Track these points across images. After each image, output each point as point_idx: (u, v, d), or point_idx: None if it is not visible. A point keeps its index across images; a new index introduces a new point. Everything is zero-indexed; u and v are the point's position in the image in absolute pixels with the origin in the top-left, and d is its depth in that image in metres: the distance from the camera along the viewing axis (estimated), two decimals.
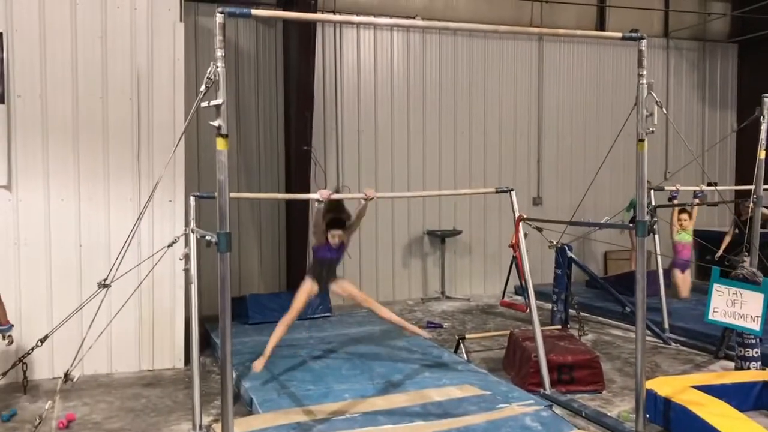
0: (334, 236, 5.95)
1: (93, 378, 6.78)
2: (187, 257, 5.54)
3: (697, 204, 8.83)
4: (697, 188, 8.75)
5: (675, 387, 5.45)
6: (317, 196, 5.65)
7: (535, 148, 11.97)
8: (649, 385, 5.35)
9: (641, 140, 4.80)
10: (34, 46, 6.69)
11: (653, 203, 8.09)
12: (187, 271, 5.66)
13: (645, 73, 4.80)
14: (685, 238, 8.76)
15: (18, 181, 6.69)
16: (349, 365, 6.72)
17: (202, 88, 3.88)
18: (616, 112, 11.85)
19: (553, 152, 12.09)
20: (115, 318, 5.81)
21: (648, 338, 7.39)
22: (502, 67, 11.66)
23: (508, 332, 7.35)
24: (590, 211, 10.92)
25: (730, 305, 5.52)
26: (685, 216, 8.86)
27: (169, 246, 5.65)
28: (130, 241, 4.65)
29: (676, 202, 8.79)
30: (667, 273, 9.34)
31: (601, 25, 12.31)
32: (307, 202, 9.80)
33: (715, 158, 13.21)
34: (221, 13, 3.81)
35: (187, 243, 5.63)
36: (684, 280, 9.00)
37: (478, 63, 11.47)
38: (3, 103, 6.57)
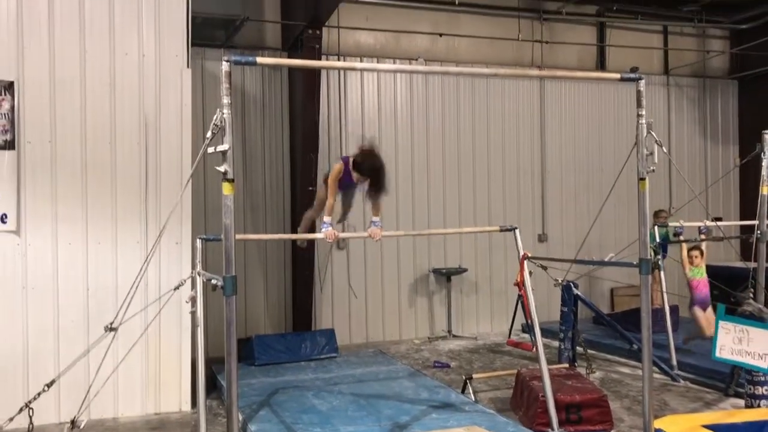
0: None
1: (99, 422, 6.75)
2: (193, 300, 5.58)
3: (703, 240, 8.80)
4: (701, 224, 8.74)
5: (684, 426, 5.38)
6: (322, 236, 5.69)
7: (539, 185, 12.03)
8: (658, 424, 5.30)
9: (642, 179, 4.84)
10: (44, 94, 6.82)
11: (657, 239, 8.08)
12: (193, 313, 5.70)
13: (644, 112, 4.87)
14: (699, 274, 8.64)
15: (27, 225, 6.76)
16: (355, 406, 6.68)
17: (209, 134, 3.96)
18: (618, 148, 11.92)
19: (557, 189, 12.14)
20: (121, 361, 5.83)
21: (656, 375, 7.36)
22: (504, 105, 11.79)
23: (515, 372, 7.31)
24: (595, 247, 10.92)
25: (737, 342, 5.49)
26: (695, 252, 8.76)
27: (175, 289, 5.69)
28: (138, 284, 4.68)
29: (682, 237, 8.76)
30: (675, 310, 9.30)
31: (601, 63, 12.48)
32: (312, 242, 9.86)
33: (719, 193, 13.24)
34: (227, 61, 3.90)
35: (193, 286, 5.67)
36: (707, 318, 8.68)
37: (480, 102, 11.61)
38: (13, 149, 6.69)
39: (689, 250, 8.68)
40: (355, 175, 5.70)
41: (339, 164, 5.86)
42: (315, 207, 6.49)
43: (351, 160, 5.72)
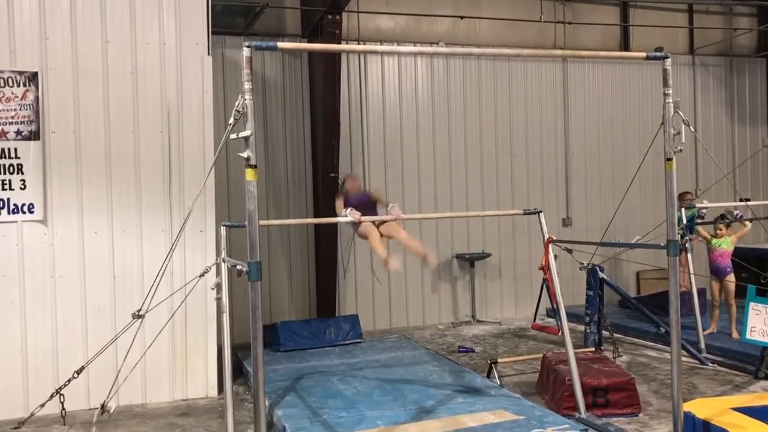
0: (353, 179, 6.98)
1: (128, 408, 6.84)
2: (218, 287, 5.61)
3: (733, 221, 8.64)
4: (734, 210, 8.63)
5: (714, 409, 5.32)
6: (349, 218, 5.83)
7: (562, 168, 11.92)
8: (687, 407, 5.24)
9: (669, 159, 4.77)
10: (68, 84, 6.87)
11: (684, 221, 7.97)
12: (219, 300, 5.73)
13: (671, 92, 4.79)
14: (721, 245, 8.52)
15: (53, 215, 6.84)
16: (380, 391, 6.69)
17: (231, 120, 3.96)
18: (643, 129, 11.76)
19: (582, 172, 12.02)
20: (149, 348, 5.89)
21: (684, 359, 7.28)
22: (527, 88, 11.66)
23: (540, 355, 7.27)
24: (621, 230, 10.81)
25: None
26: (721, 225, 8.66)
27: (201, 276, 5.74)
28: (163, 272, 4.72)
29: (704, 219, 8.66)
30: (703, 293, 9.18)
31: (625, 44, 12.28)
32: (335, 228, 9.88)
33: (747, 173, 13.02)
34: (248, 47, 3.89)
35: (218, 272, 5.70)
36: (717, 286, 8.59)
37: (502, 85, 11.50)
38: (38, 139, 6.75)
39: (716, 220, 8.58)
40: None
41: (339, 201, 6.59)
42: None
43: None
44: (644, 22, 12.28)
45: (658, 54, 4.89)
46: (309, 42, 9.99)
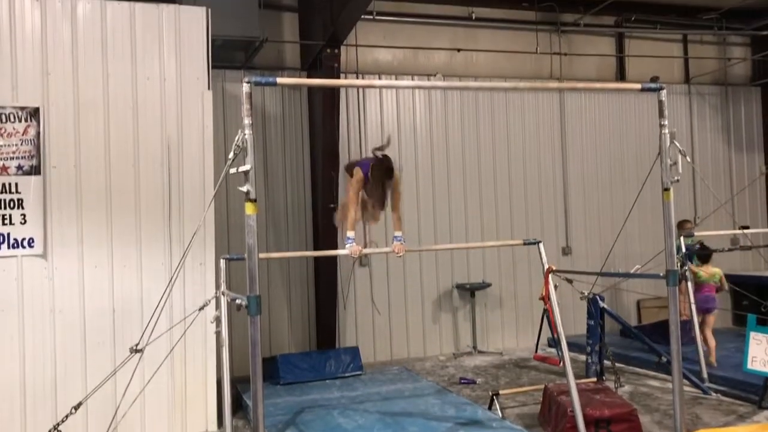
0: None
1: None
2: (218, 320, 5.60)
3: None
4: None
5: None
6: (347, 252, 5.72)
7: (561, 197, 11.95)
8: None
9: (666, 189, 4.80)
10: (69, 119, 6.93)
11: (684, 250, 7.98)
12: (218, 333, 5.72)
13: (666, 122, 4.84)
14: (700, 278, 8.61)
15: (53, 249, 6.84)
16: (382, 425, 6.64)
17: (231, 155, 4.00)
18: (641, 158, 11.82)
19: (580, 201, 12.05)
20: (148, 383, 5.85)
21: (687, 388, 7.23)
22: (525, 117, 11.74)
23: (542, 387, 7.23)
24: (621, 259, 10.80)
25: None
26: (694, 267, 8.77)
27: (200, 309, 5.74)
28: (163, 306, 4.72)
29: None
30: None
31: (621, 73, 12.40)
32: (335, 258, 9.88)
33: (746, 201, 13.05)
34: (248, 82, 3.94)
35: (217, 306, 5.70)
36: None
37: (499, 115, 11.58)
38: (39, 174, 6.78)
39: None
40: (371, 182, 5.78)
41: (359, 174, 5.88)
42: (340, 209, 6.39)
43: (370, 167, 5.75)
44: (639, 52, 12.42)
45: (653, 85, 4.95)
46: (308, 75, 10.10)
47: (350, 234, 5.84)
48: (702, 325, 8.52)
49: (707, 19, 12.44)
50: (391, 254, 6.16)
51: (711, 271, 8.62)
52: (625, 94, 12.26)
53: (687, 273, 8.26)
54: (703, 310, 8.54)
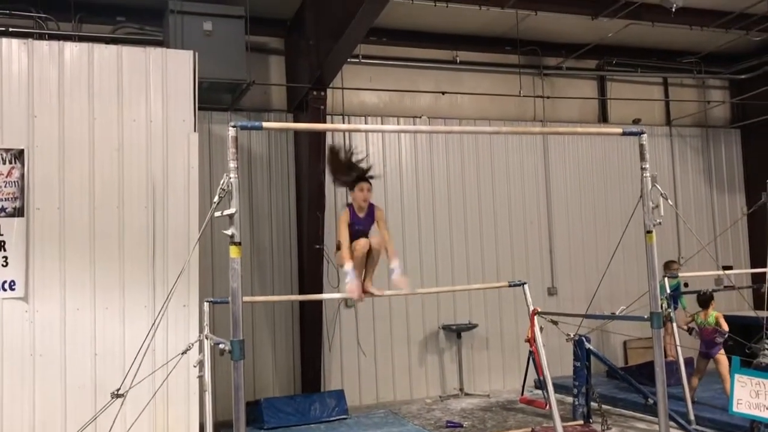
0: (363, 189, 5.83)
1: None
2: (201, 364, 5.53)
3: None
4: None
5: None
6: (347, 295, 5.61)
7: (546, 238, 11.99)
8: None
9: (649, 232, 4.84)
10: (54, 161, 6.92)
11: (668, 291, 8.02)
12: (201, 378, 5.64)
13: (648, 165, 4.90)
14: (699, 322, 8.63)
15: (35, 292, 6.77)
16: None
17: (216, 198, 4.00)
18: (624, 199, 11.92)
19: (565, 242, 12.10)
20: (130, 428, 5.74)
21: (673, 430, 7.18)
22: (509, 159, 11.84)
23: (529, 430, 7.16)
24: (606, 299, 10.81)
25: (755, 396, 5.38)
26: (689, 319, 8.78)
27: (183, 353, 5.66)
28: (146, 351, 4.66)
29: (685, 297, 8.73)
30: (690, 362, 9.15)
31: (603, 116, 12.58)
32: (320, 300, 9.81)
33: (729, 241, 13.16)
34: (234, 126, 3.97)
35: (201, 350, 5.63)
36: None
37: (484, 156, 11.66)
38: (23, 216, 6.75)
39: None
40: (352, 197, 5.86)
41: (344, 211, 5.85)
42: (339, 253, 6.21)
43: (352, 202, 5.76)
44: (621, 94, 12.63)
45: (634, 129, 5.04)
46: (295, 117, 10.17)
47: (348, 266, 5.57)
48: (703, 369, 8.50)
49: (687, 62, 12.73)
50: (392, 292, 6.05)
51: (708, 314, 8.57)
52: (608, 136, 12.40)
53: (671, 314, 8.27)
54: (703, 355, 8.50)
